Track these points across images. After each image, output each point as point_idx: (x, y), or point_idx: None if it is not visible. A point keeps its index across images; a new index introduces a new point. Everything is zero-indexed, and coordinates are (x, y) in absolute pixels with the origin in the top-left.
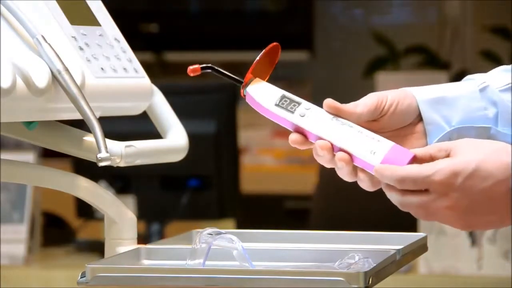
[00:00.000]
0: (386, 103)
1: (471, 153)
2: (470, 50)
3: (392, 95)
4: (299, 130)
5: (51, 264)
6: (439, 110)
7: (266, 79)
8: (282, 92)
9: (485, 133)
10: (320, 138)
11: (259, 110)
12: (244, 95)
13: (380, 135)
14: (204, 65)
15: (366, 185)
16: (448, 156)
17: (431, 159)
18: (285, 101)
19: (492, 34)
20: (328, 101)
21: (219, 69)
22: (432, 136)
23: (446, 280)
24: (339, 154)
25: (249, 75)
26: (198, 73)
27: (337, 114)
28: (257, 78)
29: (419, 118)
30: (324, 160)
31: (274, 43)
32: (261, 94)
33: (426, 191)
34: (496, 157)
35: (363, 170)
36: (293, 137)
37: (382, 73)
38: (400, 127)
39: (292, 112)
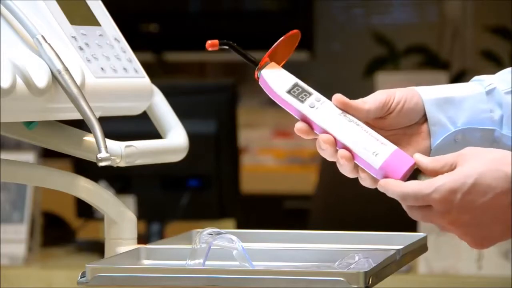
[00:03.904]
0: (393, 100)
1: (470, 166)
2: (470, 50)
3: (400, 93)
4: (306, 120)
5: (51, 264)
6: (445, 110)
7: (282, 64)
8: (296, 80)
9: (489, 135)
10: (325, 132)
11: (270, 94)
12: (258, 78)
13: (386, 133)
14: (222, 41)
15: (367, 183)
16: (453, 169)
17: (436, 174)
18: (297, 89)
19: (492, 34)
20: (337, 96)
21: (237, 47)
22: (437, 137)
23: (446, 280)
24: (341, 152)
25: (265, 58)
26: (216, 48)
27: (345, 109)
28: (272, 63)
29: (425, 118)
30: (326, 154)
31: (295, 30)
32: (275, 79)
33: (429, 206)
34: (495, 168)
35: (364, 169)
36: (299, 125)
37: (382, 73)
38: (406, 126)
39: (302, 102)
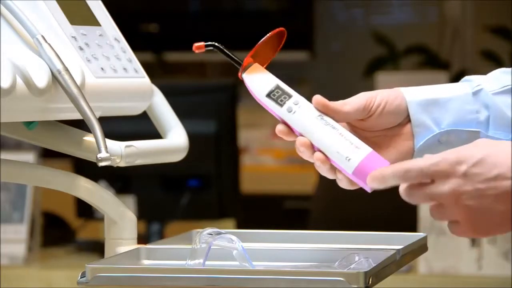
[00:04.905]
0: (374, 103)
1: (479, 145)
2: (470, 50)
3: (382, 95)
4: (286, 123)
5: (51, 264)
6: (429, 112)
7: (266, 65)
8: (277, 82)
9: (474, 137)
10: (302, 135)
11: (253, 96)
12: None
13: (368, 134)
14: (208, 43)
15: (344, 184)
16: None
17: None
18: (277, 92)
19: (492, 34)
20: (317, 98)
21: (222, 48)
22: (419, 138)
23: (446, 280)
24: (317, 154)
25: (248, 59)
26: (202, 50)
27: (324, 111)
28: (256, 64)
29: (409, 119)
30: (304, 156)
31: (280, 28)
32: (256, 82)
33: (431, 182)
34: (505, 149)
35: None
36: (280, 128)
37: (382, 73)
38: (389, 127)
39: (281, 106)
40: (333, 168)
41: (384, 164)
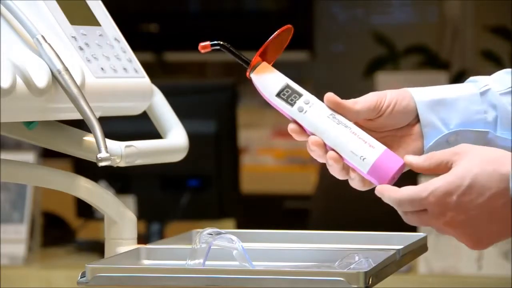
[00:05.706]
0: (384, 103)
1: (465, 167)
2: (470, 50)
3: (391, 95)
4: (297, 123)
5: (51, 264)
6: (437, 112)
7: (272, 63)
8: (286, 81)
9: (483, 137)
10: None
11: (262, 96)
12: (250, 77)
13: (377, 135)
14: (214, 42)
15: (356, 184)
16: (449, 168)
17: (432, 172)
18: (287, 91)
19: (492, 34)
20: (329, 95)
21: (229, 47)
22: (429, 139)
23: (446, 280)
24: (330, 153)
25: (256, 58)
26: (208, 49)
27: (336, 109)
28: (264, 63)
29: (417, 120)
30: (315, 155)
31: (287, 26)
32: (265, 81)
33: (425, 210)
34: (491, 169)
35: (354, 170)
36: (291, 127)
37: (382, 73)
38: (398, 127)
39: (292, 105)
40: (346, 168)
41: (399, 162)
